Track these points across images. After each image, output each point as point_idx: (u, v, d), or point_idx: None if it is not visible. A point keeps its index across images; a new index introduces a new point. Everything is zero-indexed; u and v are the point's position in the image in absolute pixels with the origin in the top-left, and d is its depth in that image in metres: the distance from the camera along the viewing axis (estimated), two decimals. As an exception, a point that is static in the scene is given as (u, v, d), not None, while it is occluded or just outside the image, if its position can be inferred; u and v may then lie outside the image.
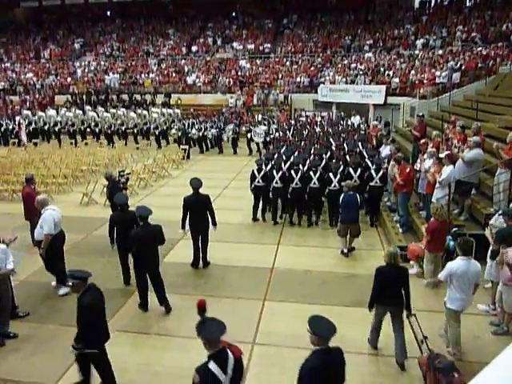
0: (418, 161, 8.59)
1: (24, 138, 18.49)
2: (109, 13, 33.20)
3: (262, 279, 6.61)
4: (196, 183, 6.84)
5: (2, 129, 19.14)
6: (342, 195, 7.41)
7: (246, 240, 8.22)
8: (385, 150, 10.65)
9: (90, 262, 7.29)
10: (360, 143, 11.54)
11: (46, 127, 19.33)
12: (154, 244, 5.75)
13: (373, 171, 8.61)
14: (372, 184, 8.54)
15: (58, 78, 26.86)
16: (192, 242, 6.98)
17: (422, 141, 9.49)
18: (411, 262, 6.77)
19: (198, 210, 6.81)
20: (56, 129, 18.94)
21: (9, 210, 9.67)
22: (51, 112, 20.53)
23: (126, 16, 32.19)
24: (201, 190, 6.89)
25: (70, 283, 4.07)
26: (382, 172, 8.60)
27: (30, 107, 23.27)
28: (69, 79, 26.50)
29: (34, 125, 19.49)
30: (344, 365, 3.23)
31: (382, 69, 21.61)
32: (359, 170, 8.75)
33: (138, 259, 5.70)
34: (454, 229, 6.64)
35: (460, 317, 4.65)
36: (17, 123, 19.13)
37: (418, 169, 8.34)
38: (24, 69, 28.30)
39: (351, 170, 8.73)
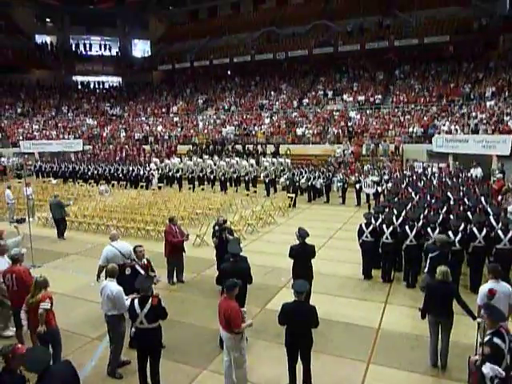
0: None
1: (155, 182, 20.96)
2: (229, 72, 36.85)
3: (366, 339, 6.23)
4: (303, 233, 6.86)
5: (134, 174, 21.97)
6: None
7: (351, 295, 7.88)
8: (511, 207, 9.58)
9: (196, 300, 7.76)
10: (483, 198, 10.50)
11: (170, 173, 21.65)
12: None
13: (500, 232, 7.57)
14: (499, 247, 7.50)
15: (183, 129, 30.16)
16: (295, 290, 6.97)
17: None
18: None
19: (303, 260, 6.83)
20: (178, 175, 21.14)
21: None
22: (175, 160, 23.00)
23: (244, 74, 35.41)
24: (306, 239, 6.90)
25: None
26: (511, 233, 7.56)
27: (158, 155, 26.41)
28: (191, 131, 29.57)
29: (160, 171, 22.01)
30: (311, 313, 4.79)
31: (506, 117, 19.78)
32: (485, 230, 7.74)
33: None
34: None
35: None
36: (147, 169, 21.88)
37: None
38: (156, 122, 32.50)
39: (475, 229, 7.82)
